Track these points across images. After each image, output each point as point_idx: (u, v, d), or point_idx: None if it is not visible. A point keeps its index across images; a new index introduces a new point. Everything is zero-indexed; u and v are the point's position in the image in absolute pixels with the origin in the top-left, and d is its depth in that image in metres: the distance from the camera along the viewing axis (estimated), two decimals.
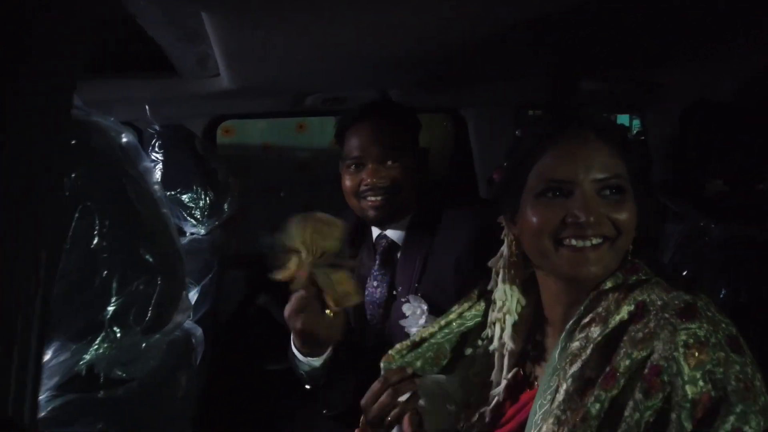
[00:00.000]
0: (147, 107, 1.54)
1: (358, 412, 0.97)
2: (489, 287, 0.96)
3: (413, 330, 1.28)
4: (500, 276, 0.93)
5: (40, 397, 0.61)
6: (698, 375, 0.67)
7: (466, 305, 0.98)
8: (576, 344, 0.77)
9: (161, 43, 1.13)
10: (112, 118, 0.73)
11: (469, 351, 0.97)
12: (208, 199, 1.58)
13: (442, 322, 0.97)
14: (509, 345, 0.90)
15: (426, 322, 1.27)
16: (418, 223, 1.36)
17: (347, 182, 1.35)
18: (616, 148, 0.81)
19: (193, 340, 0.87)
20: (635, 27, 1.11)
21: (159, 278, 0.66)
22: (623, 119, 3.33)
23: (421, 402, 0.92)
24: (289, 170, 2.80)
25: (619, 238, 0.79)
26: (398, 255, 1.38)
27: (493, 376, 0.93)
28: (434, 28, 1.04)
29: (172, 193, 1.56)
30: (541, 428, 0.74)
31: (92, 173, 0.63)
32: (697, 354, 0.68)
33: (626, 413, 0.69)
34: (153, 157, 1.57)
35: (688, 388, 0.67)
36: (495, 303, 0.93)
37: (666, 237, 1.52)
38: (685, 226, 1.51)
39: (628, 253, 0.82)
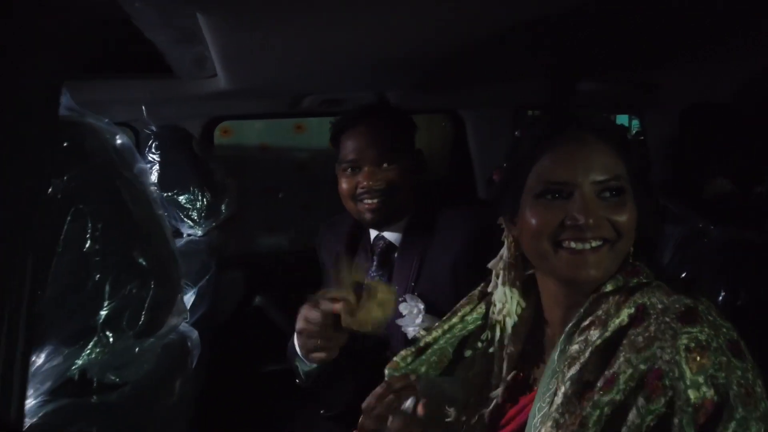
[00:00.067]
0: (144, 108, 1.54)
1: (356, 413, 0.97)
2: (489, 289, 0.95)
3: (410, 329, 1.27)
4: (500, 278, 0.92)
5: (33, 402, 0.61)
6: (701, 379, 0.67)
7: (467, 308, 0.98)
8: (575, 347, 0.76)
9: (158, 45, 1.13)
10: (107, 120, 0.72)
11: (468, 353, 0.96)
12: (205, 200, 1.58)
13: (446, 327, 0.97)
14: (509, 347, 0.90)
15: (423, 321, 1.26)
16: (415, 224, 1.36)
17: (343, 185, 1.34)
18: (616, 149, 0.81)
19: (189, 343, 0.86)
20: (634, 28, 1.11)
21: (152, 282, 0.65)
22: (622, 120, 3.33)
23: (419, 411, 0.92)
24: (287, 171, 2.79)
25: (619, 240, 0.79)
26: (395, 256, 1.38)
27: (493, 378, 0.92)
28: (433, 29, 1.04)
29: (169, 194, 1.55)
30: (539, 431, 0.74)
31: (85, 175, 0.62)
32: (698, 358, 0.67)
33: (628, 418, 0.69)
34: (150, 158, 1.56)
35: (690, 392, 0.66)
36: (495, 305, 0.93)
37: (664, 238, 1.51)
38: (684, 227, 1.51)
39: (629, 256, 0.81)
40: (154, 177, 1.55)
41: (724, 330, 0.70)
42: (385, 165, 1.31)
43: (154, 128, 1.59)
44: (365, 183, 1.30)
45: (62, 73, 0.47)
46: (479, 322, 0.96)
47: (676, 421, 0.66)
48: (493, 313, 0.93)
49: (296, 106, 1.89)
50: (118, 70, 1.45)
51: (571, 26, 1.05)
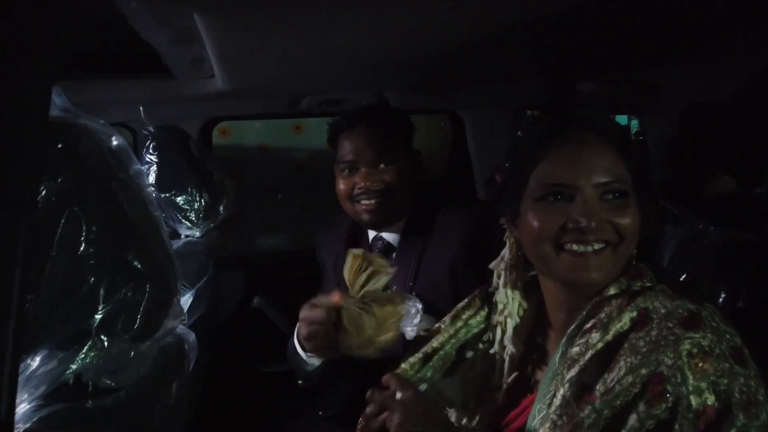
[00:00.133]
0: (141, 108, 1.53)
1: (353, 413, 0.96)
2: (491, 289, 0.95)
3: (408, 329, 1.27)
4: (501, 279, 0.92)
5: (27, 407, 0.60)
6: (703, 385, 0.66)
7: (470, 311, 0.97)
8: (576, 349, 0.76)
9: (155, 45, 1.12)
10: (102, 121, 0.72)
11: (470, 353, 0.96)
12: (203, 201, 1.57)
13: (451, 331, 0.96)
14: (510, 348, 0.89)
15: (420, 321, 1.26)
16: (413, 224, 1.36)
17: (341, 186, 1.34)
18: (619, 150, 0.80)
19: (186, 346, 0.85)
20: (634, 28, 1.11)
21: (148, 284, 0.65)
22: (621, 120, 3.32)
23: None
24: (286, 171, 2.79)
25: (622, 243, 0.78)
26: (393, 256, 1.37)
27: (493, 379, 0.92)
28: (432, 29, 1.03)
29: (167, 195, 1.55)
30: None
31: (80, 177, 0.61)
32: (701, 364, 0.67)
33: (628, 423, 0.68)
34: (147, 159, 1.55)
35: (692, 398, 0.66)
36: (496, 306, 0.92)
37: (664, 239, 1.51)
38: (684, 228, 1.50)
39: (633, 258, 0.81)
40: (151, 178, 1.54)
41: (728, 336, 0.69)
42: (382, 166, 1.31)
43: (151, 129, 1.58)
44: (362, 184, 1.30)
45: (54, 74, 0.47)
46: (482, 325, 0.96)
47: (676, 426, 0.66)
48: (495, 313, 0.93)
49: (295, 107, 1.89)
50: (115, 71, 1.45)
51: (571, 26, 1.05)
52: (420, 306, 1.26)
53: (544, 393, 0.77)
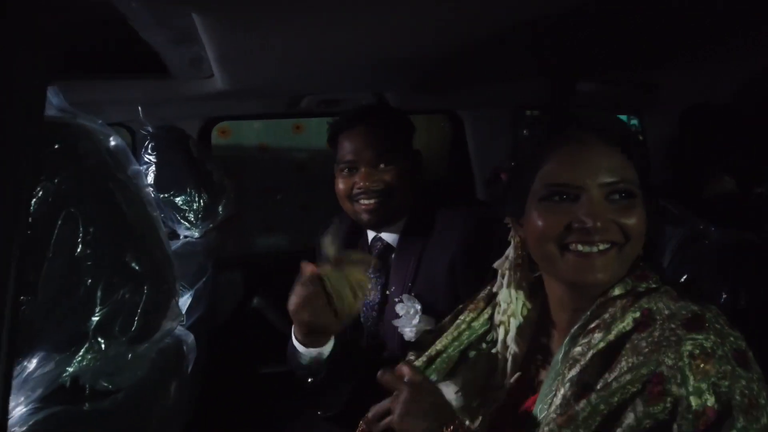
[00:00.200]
0: (140, 108, 1.53)
1: (353, 414, 0.96)
2: (495, 289, 0.94)
3: (407, 330, 1.27)
4: (505, 278, 0.91)
5: (23, 410, 0.60)
6: (704, 387, 0.65)
7: (473, 314, 0.97)
8: (578, 349, 0.76)
9: (154, 45, 1.12)
10: (100, 121, 0.71)
11: (472, 353, 0.95)
12: (202, 201, 1.56)
13: (455, 334, 0.96)
14: (513, 348, 0.89)
15: (419, 322, 1.26)
16: (413, 225, 1.36)
17: (340, 185, 1.34)
18: (626, 151, 0.79)
19: (185, 348, 0.85)
20: (634, 28, 1.10)
21: (146, 286, 0.64)
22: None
23: None
24: (286, 171, 2.78)
25: (628, 244, 0.77)
26: (392, 257, 1.37)
27: (495, 379, 0.91)
28: (432, 29, 1.03)
29: (166, 195, 1.54)
30: None
31: (77, 178, 0.61)
32: (702, 365, 0.66)
33: (624, 421, 0.68)
34: (146, 159, 1.55)
35: (692, 399, 0.65)
36: (500, 305, 0.92)
37: (665, 240, 1.51)
38: (684, 229, 1.50)
39: (639, 260, 0.80)
40: (150, 178, 1.53)
41: (732, 339, 0.69)
42: (382, 166, 1.31)
43: (150, 129, 1.58)
44: (362, 184, 1.30)
45: (50, 74, 0.46)
46: (486, 326, 0.95)
47: (675, 427, 0.66)
48: (498, 313, 0.92)
49: (294, 107, 1.89)
50: (114, 71, 1.44)
51: (571, 26, 1.05)
52: (419, 307, 1.26)
53: (546, 393, 0.77)
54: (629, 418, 0.67)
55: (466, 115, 2.09)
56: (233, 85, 1.41)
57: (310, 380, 1.19)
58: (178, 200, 1.55)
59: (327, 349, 1.14)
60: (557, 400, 0.73)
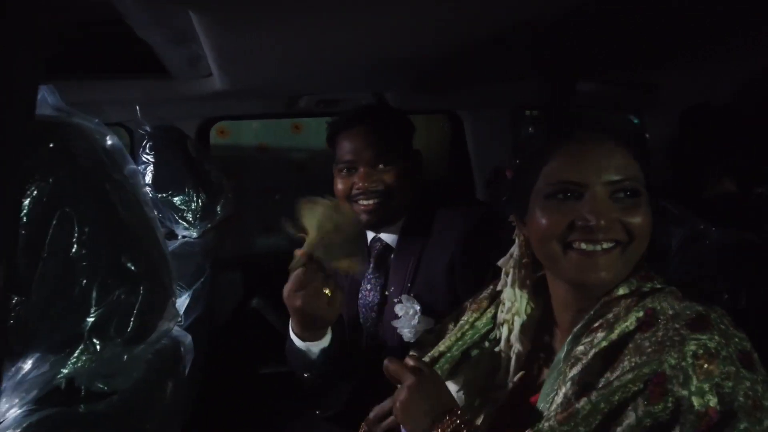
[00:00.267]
0: (138, 108, 1.53)
1: (353, 414, 0.96)
2: (499, 287, 0.94)
3: (406, 331, 1.26)
4: (509, 277, 0.91)
5: (18, 412, 0.59)
6: (706, 387, 0.65)
7: (476, 314, 0.97)
8: (580, 348, 0.75)
9: (152, 44, 1.11)
10: (96, 120, 0.71)
11: (475, 352, 0.95)
12: (200, 201, 1.56)
13: (459, 334, 0.96)
14: (517, 346, 0.89)
15: (419, 323, 1.25)
16: (412, 225, 1.35)
17: (339, 186, 1.34)
18: (632, 149, 0.79)
19: (182, 349, 0.84)
20: (634, 28, 1.10)
21: (142, 286, 0.63)
22: None
23: None
24: (285, 171, 2.78)
25: (632, 243, 0.77)
26: (391, 257, 1.37)
27: (498, 378, 0.91)
28: (432, 29, 1.02)
29: (164, 195, 1.54)
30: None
31: (72, 177, 0.60)
32: (706, 366, 0.65)
33: (624, 420, 0.67)
34: (144, 159, 1.54)
35: (694, 399, 0.65)
36: (504, 303, 0.92)
37: (665, 240, 1.50)
38: (684, 229, 1.49)
39: (644, 260, 0.80)
40: (148, 178, 1.53)
41: (736, 340, 0.68)
42: (381, 166, 1.31)
43: (148, 128, 1.57)
44: (360, 184, 1.30)
45: (41, 73, 0.46)
46: (489, 326, 0.95)
47: (677, 427, 0.65)
48: (502, 311, 0.92)
49: (293, 107, 1.88)
50: (112, 71, 1.44)
51: (571, 26, 1.04)
52: (418, 308, 1.26)
53: (548, 392, 0.77)
54: (630, 418, 0.67)
55: (466, 115, 2.08)
56: (232, 85, 1.40)
57: (306, 375, 1.18)
58: (176, 200, 1.54)
59: (324, 343, 1.14)
60: (558, 399, 0.73)
